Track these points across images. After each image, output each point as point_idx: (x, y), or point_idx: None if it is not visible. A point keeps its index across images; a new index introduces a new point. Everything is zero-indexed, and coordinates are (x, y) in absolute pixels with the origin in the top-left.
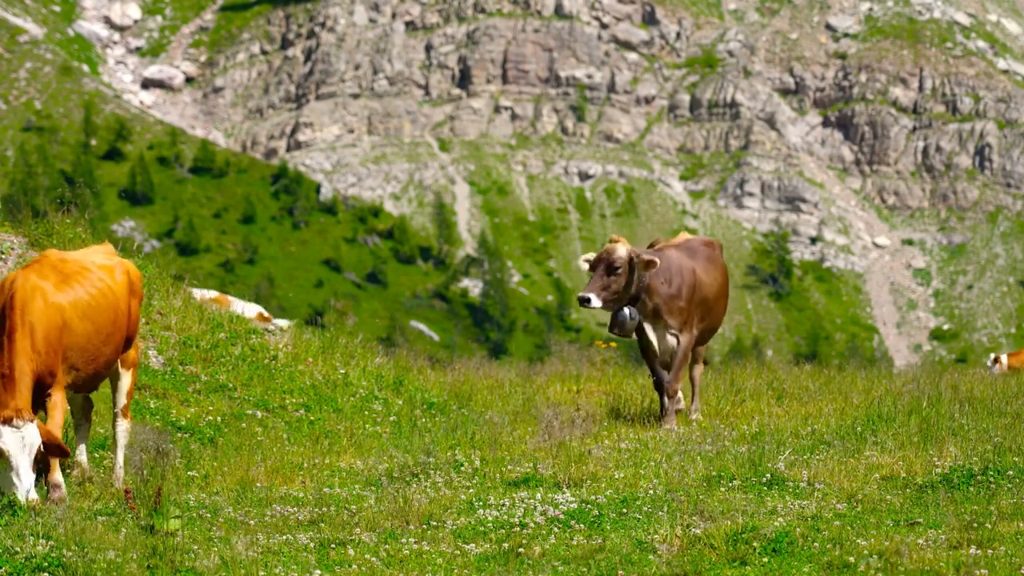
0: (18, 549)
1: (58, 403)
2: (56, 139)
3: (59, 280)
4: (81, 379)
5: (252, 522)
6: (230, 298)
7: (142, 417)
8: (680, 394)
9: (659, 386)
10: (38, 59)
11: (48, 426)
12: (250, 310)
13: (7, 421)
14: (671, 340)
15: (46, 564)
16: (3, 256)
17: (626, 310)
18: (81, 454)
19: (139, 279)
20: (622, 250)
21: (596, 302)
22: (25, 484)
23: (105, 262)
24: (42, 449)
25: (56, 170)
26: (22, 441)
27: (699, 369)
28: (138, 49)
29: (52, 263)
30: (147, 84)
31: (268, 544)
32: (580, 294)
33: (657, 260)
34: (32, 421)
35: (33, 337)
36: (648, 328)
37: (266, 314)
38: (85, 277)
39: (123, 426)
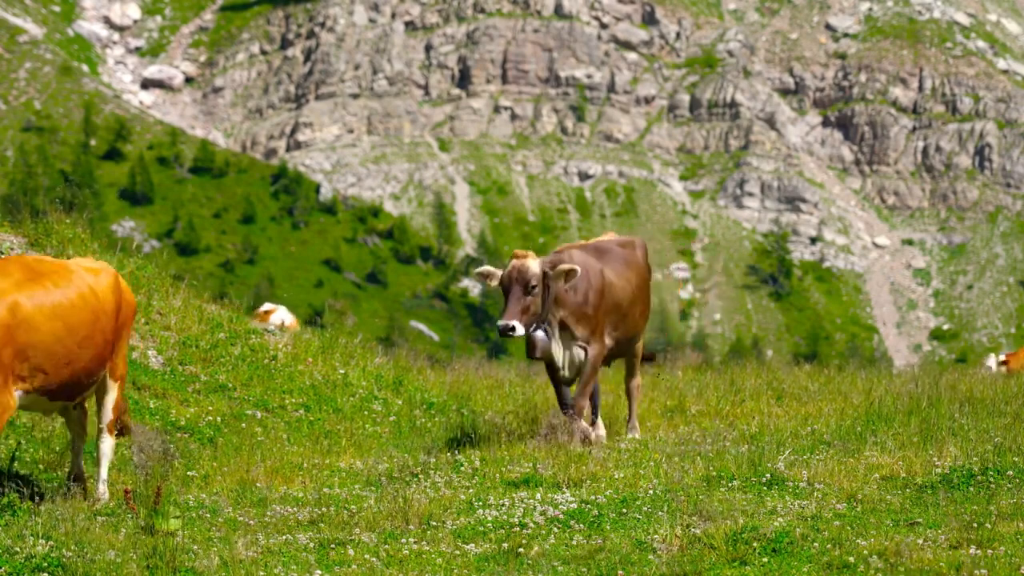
0: (18, 549)
1: None
2: (56, 139)
3: (25, 277)
4: (52, 385)
5: (252, 522)
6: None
7: (142, 417)
8: (599, 418)
9: (564, 406)
10: (38, 59)
11: None
12: (288, 319)
13: None
14: (578, 352)
15: (46, 564)
16: (2, 256)
17: (540, 330)
18: (75, 464)
19: (129, 288)
20: (535, 265)
21: (520, 329)
22: None
23: (92, 265)
24: None
25: (56, 170)
26: None
27: (636, 382)
28: (138, 49)
29: (23, 261)
30: (147, 84)
31: (268, 544)
32: (501, 322)
33: (578, 268)
34: None
35: None
36: (553, 344)
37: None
38: (62, 276)
39: (108, 442)
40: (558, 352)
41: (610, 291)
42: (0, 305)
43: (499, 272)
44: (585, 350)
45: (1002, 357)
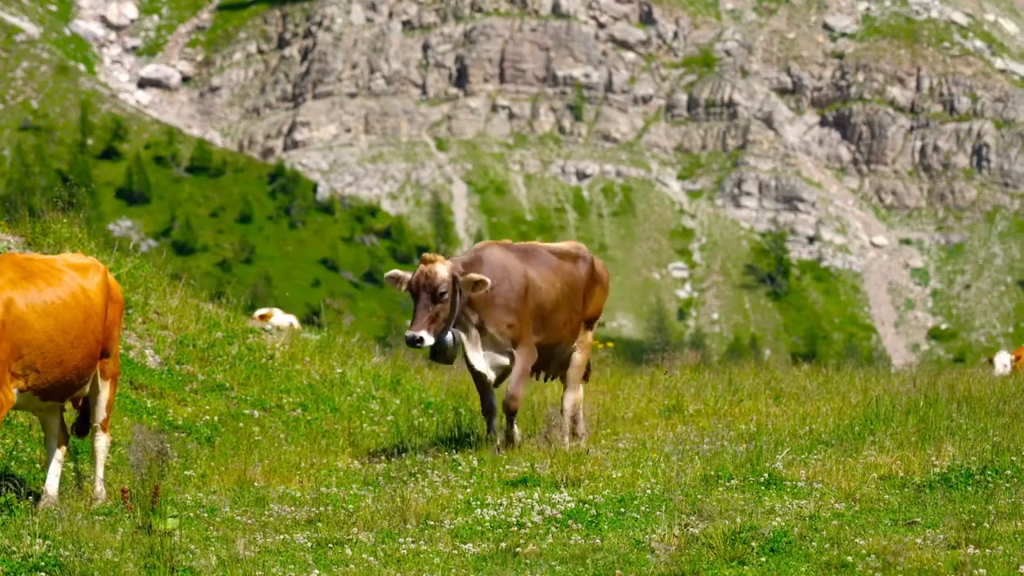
0: (15, 548)
1: None
2: (53, 138)
3: (19, 276)
4: (45, 384)
5: (250, 521)
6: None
7: (139, 416)
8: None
9: (489, 411)
10: (34, 58)
11: None
12: (286, 321)
13: None
14: (501, 358)
15: (43, 563)
16: None
17: (448, 335)
18: (50, 484)
19: (117, 285)
20: (443, 271)
21: (429, 339)
22: None
23: (78, 262)
24: None
25: (53, 169)
26: None
27: (571, 397)
28: (134, 48)
29: (14, 259)
30: (144, 83)
31: (266, 544)
32: (409, 333)
33: (488, 281)
34: None
35: None
36: (471, 348)
37: (297, 324)
38: (52, 275)
39: (102, 441)
40: (477, 357)
41: (534, 292)
42: None
43: (408, 276)
44: (511, 354)
45: (1014, 356)
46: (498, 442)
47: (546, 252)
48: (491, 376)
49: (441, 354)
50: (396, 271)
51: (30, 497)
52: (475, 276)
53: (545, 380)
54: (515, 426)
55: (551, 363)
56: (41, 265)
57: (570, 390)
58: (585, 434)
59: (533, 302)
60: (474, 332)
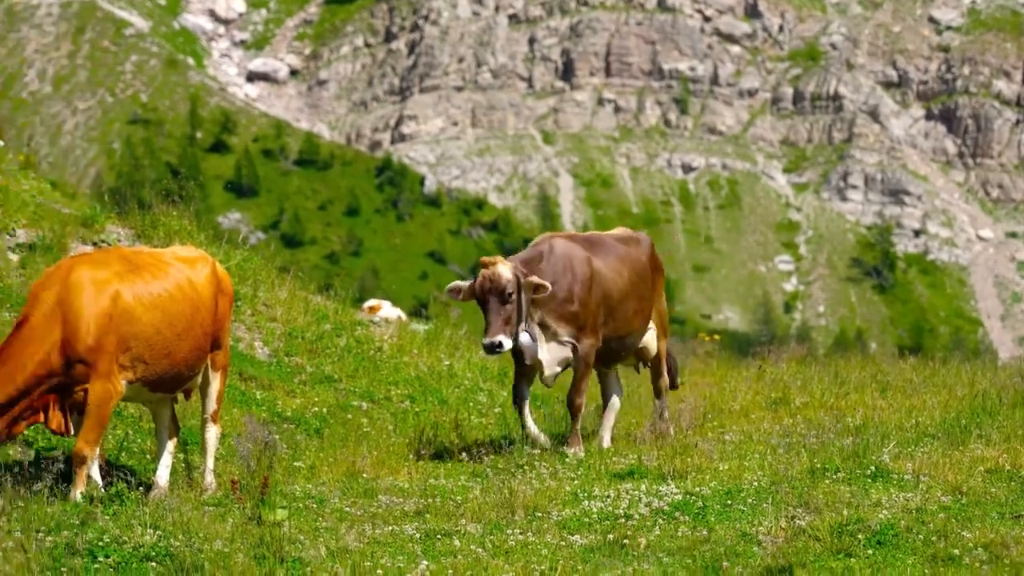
0: (126, 538)
1: (96, 392)
2: (162, 132)
3: (125, 269)
4: (153, 376)
5: (358, 512)
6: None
7: (248, 408)
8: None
9: (521, 400)
10: (144, 52)
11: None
12: (394, 314)
13: None
14: (562, 351)
15: (154, 553)
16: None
17: (523, 336)
18: (161, 470)
19: (227, 277)
20: (507, 271)
21: (508, 343)
22: None
23: (186, 255)
24: None
25: (162, 162)
26: None
27: (664, 382)
28: (243, 42)
29: (121, 253)
30: (252, 77)
31: (374, 535)
32: (487, 340)
33: (548, 286)
34: None
35: (65, 326)
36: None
37: (405, 317)
38: (159, 268)
39: (212, 432)
40: (542, 352)
41: (600, 282)
42: (103, 295)
43: (467, 285)
44: (574, 346)
45: None
46: (535, 438)
47: (611, 240)
48: (552, 371)
49: (525, 356)
50: (456, 282)
51: (141, 487)
52: (535, 280)
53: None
54: (578, 427)
55: (622, 355)
56: (148, 258)
57: (662, 375)
58: (607, 440)
59: (599, 292)
60: (536, 328)
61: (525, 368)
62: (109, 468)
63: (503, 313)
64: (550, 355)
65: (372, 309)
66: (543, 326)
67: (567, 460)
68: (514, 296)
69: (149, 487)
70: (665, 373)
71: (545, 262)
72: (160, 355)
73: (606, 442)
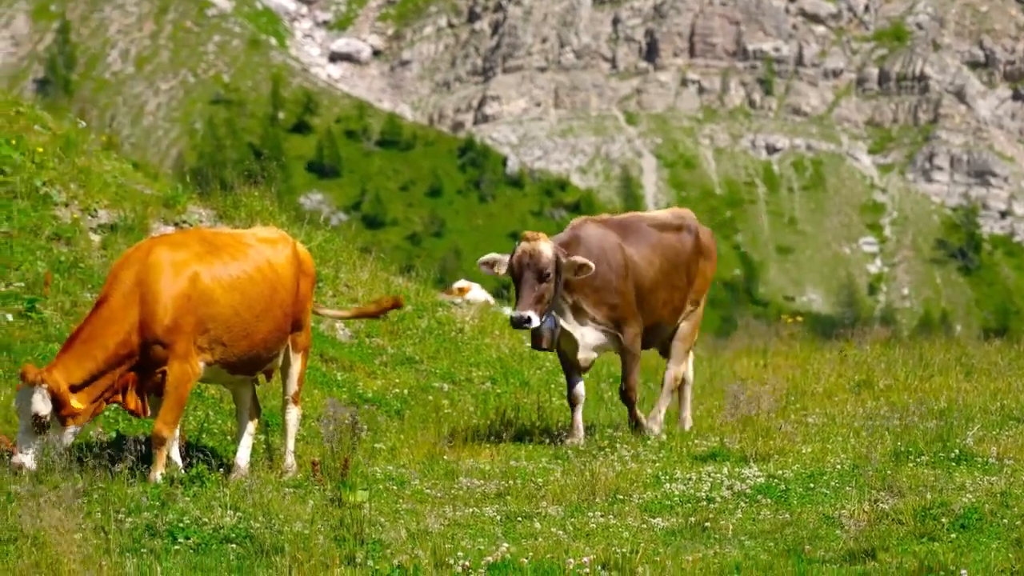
0: (206, 519)
1: (175, 373)
2: (244, 112)
3: (204, 250)
4: (232, 357)
5: (439, 495)
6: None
7: (329, 390)
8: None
9: (575, 401)
10: (226, 32)
11: (165, 402)
12: (483, 296)
13: (21, 375)
14: (598, 337)
15: (234, 535)
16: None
17: (547, 319)
18: (241, 451)
19: (308, 258)
20: (548, 249)
21: (536, 320)
22: (19, 441)
23: (267, 235)
24: (41, 416)
25: (244, 143)
26: (22, 402)
27: (672, 372)
28: (325, 23)
29: (200, 234)
30: (334, 57)
31: (455, 517)
32: (515, 313)
33: (592, 266)
34: (40, 386)
35: (143, 306)
36: (570, 330)
37: (493, 301)
38: (238, 249)
39: (293, 413)
40: (574, 340)
41: (633, 269)
42: (181, 276)
43: (506, 259)
44: (618, 335)
45: None
46: (576, 438)
47: (646, 226)
48: (587, 355)
49: (541, 339)
50: (492, 255)
51: (221, 469)
52: (579, 260)
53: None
54: (639, 412)
55: (650, 344)
56: (227, 239)
57: (672, 362)
58: (688, 420)
59: (632, 281)
60: (570, 315)
61: (573, 364)
62: (189, 449)
63: (537, 290)
64: (585, 339)
65: (461, 291)
66: (577, 309)
67: (648, 441)
68: (551, 276)
69: (229, 468)
70: (682, 366)
71: (582, 247)
72: (239, 337)
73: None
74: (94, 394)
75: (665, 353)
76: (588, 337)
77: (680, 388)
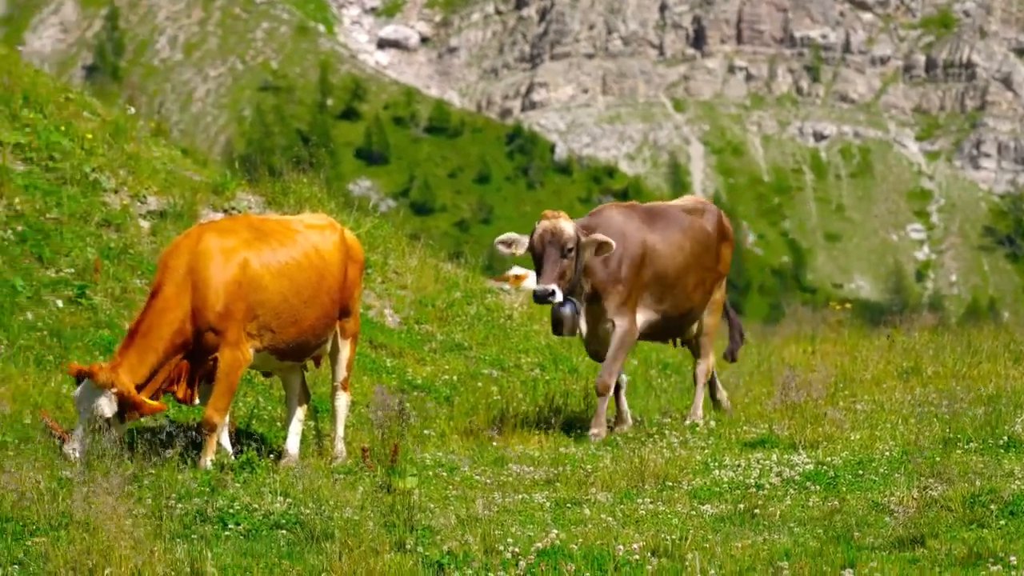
0: (256, 506)
1: (226, 359)
2: (292, 99)
3: (253, 237)
4: (281, 343)
5: (488, 481)
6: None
7: (379, 376)
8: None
9: (615, 388)
10: (274, 19)
11: (216, 388)
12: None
13: (91, 375)
14: (607, 327)
15: (284, 521)
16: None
17: (568, 304)
18: (291, 438)
19: (357, 245)
20: (569, 227)
21: (560, 295)
22: (76, 434)
23: (315, 222)
24: (107, 419)
25: (292, 129)
26: (87, 398)
27: (703, 366)
28: (373, 9)
29: (248, 220)
30: (382, 44)
31: (504, 503)
32: (538, 287)
33: (612, 244)
34: (109, 389)
35: (195, 294)
36: (580, 316)
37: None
38: (286, 236)
39: (343, 399)
40: (584, 327)
41: (652, 260)
42: (231, 262)
43: (524, 238)
44: (612, 324)
45: None
46: (625, 425)
47: (676, 211)
48: (597, 349)
49: (563, 324)
50: (510, 234)
51: (271, 455)
52: (599, 237)
53: (665, 341)
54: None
55: (684, 330)
56: (275, 225)
57: (702, 358)
58: (727, 404)
59: (651, 271)
60: (588, 302)
61: (598, 352)
62: (239, 436)
63: (559, 265)
64: (597, 332)
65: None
66: (592, 299)
67: (698, 428)
68: (573, 253)
69: (279, 455)
70: (710, 355)
71: (600, 231)
72: (287, 323)
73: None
74: (154, 388)
75: (689, 346)
76: (598, 324)
77: (697, 379)
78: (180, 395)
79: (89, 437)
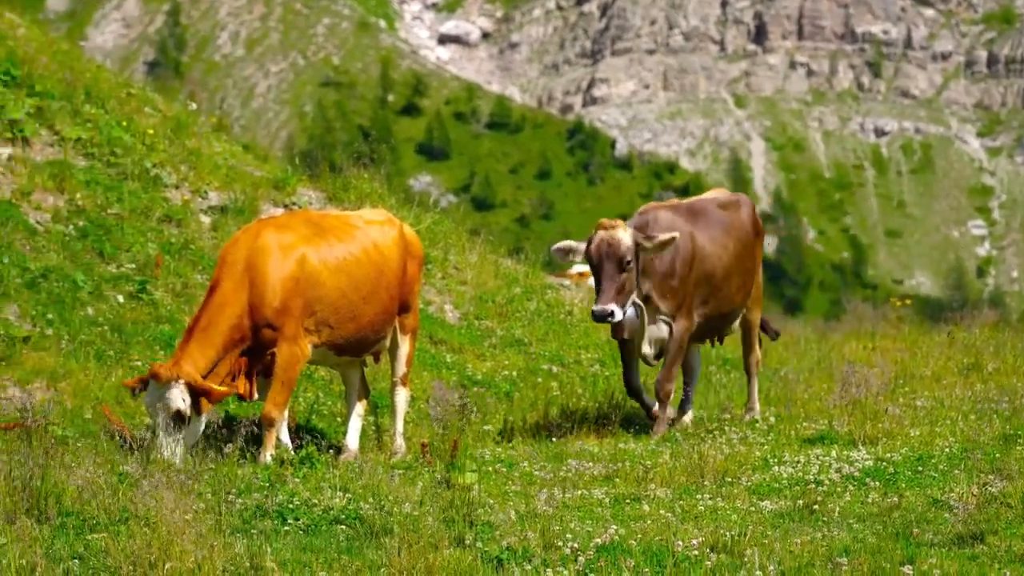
0: (316, 501)
1: (283, 355)
2: (353, 94)
3: (311, 232)
4: (339, 339)
5: (548, 476)
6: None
7: (438, 372)
8: (669, 402)
9: (634, 392)
10: (336, 15)
11: (275, 384)
12: None
13: (154, 376)
14: (660, 329)
15: (343, 516)
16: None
17: (631, 309)
18: (351, 433)
19: (416, 240)
20: (627, 237)
21: (620, 315)
22: (161, 440)
23: (373, 218)
24: (183, 411)
25: (353, 125)
26: (158, 398)
27: (753, 358)
28: (434, 5)
29: (307, 216)
30: (443, 40)
31: (564, 499)
32: (598, 307)
33: (676, 236)
34: (176, 382)
35: (252, 290)
36: (641, 321)
37: None
38: (345, 231)
39: (402, 395)
40: (643, 331)
41: (702, 260)
42: (289, 258)
43: (582, 246)
44: (670, 326)
45: None
46: (661, 429)
47: (715, 209)
48: (651, 351)
49: (624, 329)
50: (567, 242)
51: (331, 450)
52: (663, 236)
53: (703, 341)
54: (667, 412)
55: (724, 330)
56: (334, 221)
57: (749, 350)
58: (754, 409)
59: (700, 270)
60: (641, 305)
61: (632, 354)
62: (299, 431)
63: (618, 280)
64: (650, 333)
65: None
66: (647, 300)
67: (757, 424)
68: (631, 264)
69: (339, 450)
70: (757, 348)
71: (651, 232)
72: (345, 319)
73: (689, 416)
74: (215, 381)
75: (743, 344)
76: (652, 331)
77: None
78: (240, 390)
79: (172, 435)
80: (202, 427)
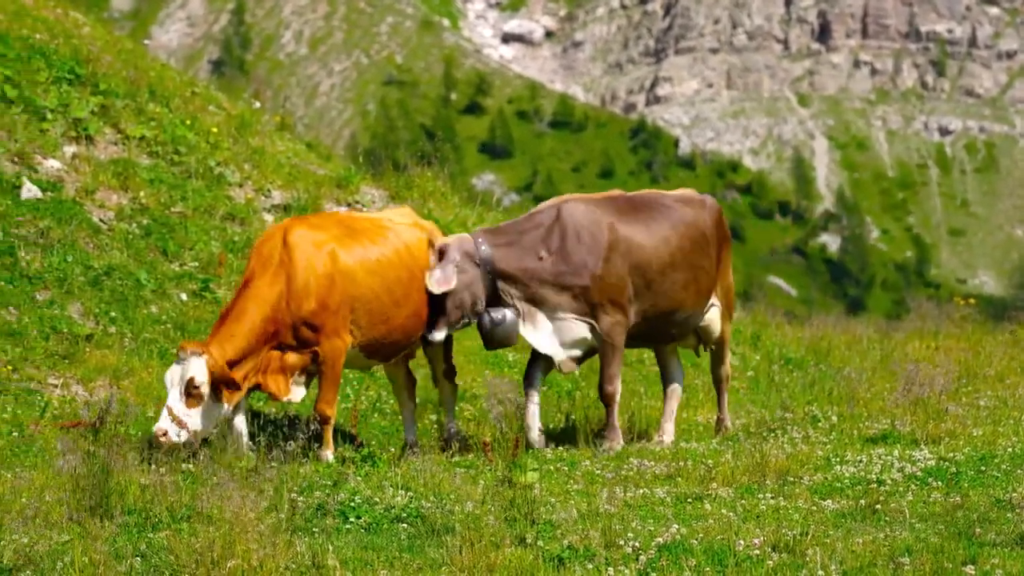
0: (377, 499)
1: (326, 351)
2: (416, 93)
3: (343, 233)
4: (369, 341)
5: (609, 475)
6: None
7: (500, 370)
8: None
9: (530, 384)
10: (399, 14)
11: (322, 381)
12: None
13: (181, 351)
14: (571, 330)
15: (404, 515)
16: (365, 209)
17: (486, 316)
18: (409, 433)
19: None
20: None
21: (439, 334)
22: (163, 417)
23: (403, 220)
24: (196, 382)
25: (416, 124)
26: (176, 373)
27: (724, 371)
28: (498, 4)
29: (338, 217)
30: (507, 38)
31: (626, 498)
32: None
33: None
34: (200, 356)
35: (289, 285)
36: (526, 326)
37: None
38: (377, 233)
39: (448, 388)
40: (536, 335)
41: (627, 251)
42: (321, 254)
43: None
44: (592, 325)
45: None
46: (528, 429)
47: (667, 202)
48: (563, 355)
49: (492, 340)
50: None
51: (392, 449)
52: (438, 243)
53: (647, 346)
54: (615, 417)
55: (672, 333)
56: (366, 223)
57: (718, 363)
58: (724, 419)
59: (628, 262)
60: (525, 306)
61: (542, 368)
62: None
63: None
64: (555, 337)
65: None
66: (537, 301)
67: (603, 455)
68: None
69: (401, 448)
70: (727, 361)
71: (558, 225)
72: (377, 321)
73: (668, 434)
74: (242, 373)
75: (711, 356)
76: (561, 334)
77: (671, 393)
78: (271, 388)
79: (179, 408)
80: (218, 416)
